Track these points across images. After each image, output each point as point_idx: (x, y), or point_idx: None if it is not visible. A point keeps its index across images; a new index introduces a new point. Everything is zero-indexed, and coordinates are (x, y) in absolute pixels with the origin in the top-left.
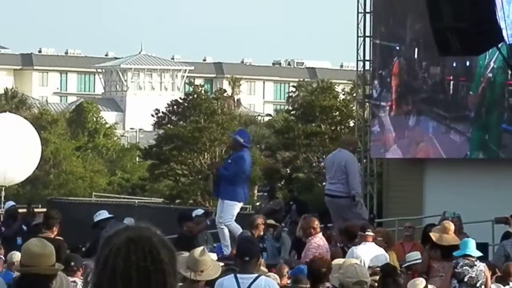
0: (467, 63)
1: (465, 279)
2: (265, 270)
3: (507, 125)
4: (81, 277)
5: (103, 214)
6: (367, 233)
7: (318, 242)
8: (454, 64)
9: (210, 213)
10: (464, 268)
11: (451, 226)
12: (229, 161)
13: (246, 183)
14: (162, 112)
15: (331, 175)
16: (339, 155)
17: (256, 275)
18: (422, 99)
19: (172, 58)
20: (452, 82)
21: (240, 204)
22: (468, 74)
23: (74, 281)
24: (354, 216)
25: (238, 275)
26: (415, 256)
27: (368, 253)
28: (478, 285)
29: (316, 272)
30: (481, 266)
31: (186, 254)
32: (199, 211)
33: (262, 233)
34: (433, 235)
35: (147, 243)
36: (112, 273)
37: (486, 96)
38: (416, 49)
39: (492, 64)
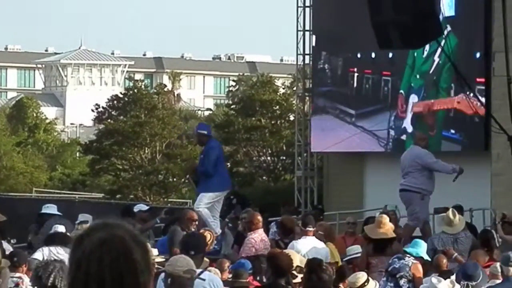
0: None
1: (389, 269)
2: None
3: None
4: (26, 274)
5: (51, 209)
6: (307, 228)
7: (256, 237)
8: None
9: (154, 208)
10: (394, 259)
11: (384, 220)
12: (202, 156)
13: (223, 169)
14: (102, 107)
15: (404, 171)
16: (411, 152)
17: (200, 270)
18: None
19: (112, 53)
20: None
21: (217, 193)
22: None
23: (20, 277)
24: (412, 211)
25: None
26: (355, 250)
27: (308, 247)
28: (397, 276)
29: (279, 266)
30: (409, 261)
31: None
32: (142, 206)
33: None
34: (366, 229)
35: (120, 244)
36: (86, 275)
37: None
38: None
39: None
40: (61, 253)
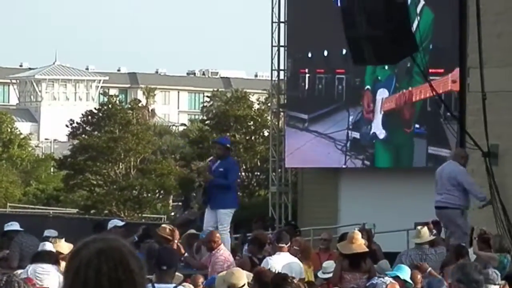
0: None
1: (367, 284)
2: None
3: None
4: None
5: (14, 226)
6: (281, 244)
7: (224, 254)
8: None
9: (129, 224)
10: (374, 277)
11: (357, 235)
12: (221, 169)
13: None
14: (77, 123)
15: (439, 187)
16: (448, 167)
17: (173, 285)
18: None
19: (87, 69)
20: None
21: (234, 209)
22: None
23: None
24: (456, 228)
25: (156, 285)
26: (331, 267)
27: (282, 263)
28: None
29: (265, 283)
30: (388, 280)
31: None
32: (118, 222)
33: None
34: (339, 246)
35: (118, 254)
36: (84, 284)
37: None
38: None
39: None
40: (48, 271)
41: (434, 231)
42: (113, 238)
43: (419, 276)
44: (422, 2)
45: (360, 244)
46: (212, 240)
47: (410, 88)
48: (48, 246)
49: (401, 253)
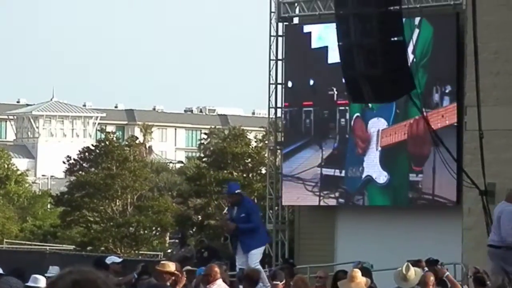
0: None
1: None
2: None
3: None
4: None
5: None
6: (275, 282)
7: None
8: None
9: (126, 261)
10: None
11: (357, 274)
12: (243, 215)
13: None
14: (74, 159)
15: (495, 226)
16: (508, 208)
17: None
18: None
19: (84, 105)
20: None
21: (264, 246)
22: None
23: None
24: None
25: None
26: None
27: None
28: None
29: None
30: None
31: None
32: (115, 259)
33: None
34: (340, 284)
35: (92, 286)
36: None
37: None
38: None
39: None
40: None
41: (426, 269)
42: (89, 270)
43: (432, 278)
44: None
45: (359, 282)
46: (209, 273)
47: (417, 117)
48: (41, 282)
49: None
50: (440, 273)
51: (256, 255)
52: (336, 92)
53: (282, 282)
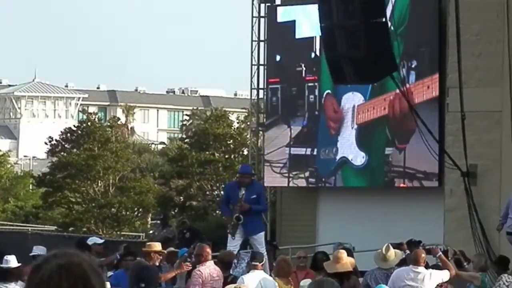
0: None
1: None
2: None
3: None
4: None
5: None
6: (254, 262)
7: (203, 269)
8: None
9: (108, 242)
10: None
11: (342, 255)
12: (254, 196)
13: None
14: (56, 140)
15: None
16: None
17: None
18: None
19: (66, 86)
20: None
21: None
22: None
23: None
24: None
25: None
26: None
27: (256, 281)
28: None
29: None
30: None
31: None
32: (97, 239)
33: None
34: (326, 265)
35: (78, 270)
36: None
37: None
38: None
39: None
40: None
41: (407, 251)
42: (74, 253)
43: (423, 255)
44: None
45: (345, 263)
46: (200, 254)
47: (397, 90)
48: (12, 263)
49: (367, 272)
50: (433, 252)
51: (262, 238)
52: (304, 68)
53: (262, 263)
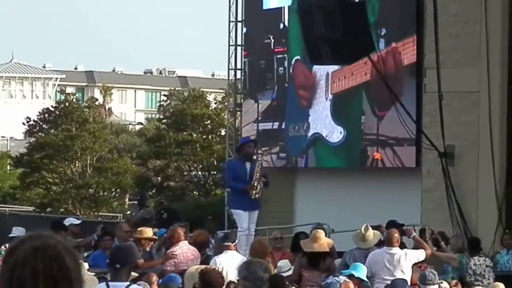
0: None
1: (322, 283)
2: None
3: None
4: None
5: None
6: (226, 243)
7: (176, 250)
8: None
9: (85, 222)
10: (329, 276)
11: (321, 235)
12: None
13: None
14: (33, 120)
15: None
16: None
17: (127, 283)
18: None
19: (44, 67)
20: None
21: None
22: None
23: None
24: None
25: (110, 283)
26: (286, 266)
27: (230, 262)
28: None
29: (208, 283)
30: (342, 279)
31: None
32: (74, 220)
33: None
34: (302, 243)
35: (53, 251)
36: (19, 283)
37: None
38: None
39: None
40: None
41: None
42: (49, 235)
43: (396, 235)
44: None
45: (322, 243)
46: (172, 235)
47: (383, 50)
48: None
49: (346, 252)
50: (408, 233)
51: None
52: (273, 40)
53: (234, 243)
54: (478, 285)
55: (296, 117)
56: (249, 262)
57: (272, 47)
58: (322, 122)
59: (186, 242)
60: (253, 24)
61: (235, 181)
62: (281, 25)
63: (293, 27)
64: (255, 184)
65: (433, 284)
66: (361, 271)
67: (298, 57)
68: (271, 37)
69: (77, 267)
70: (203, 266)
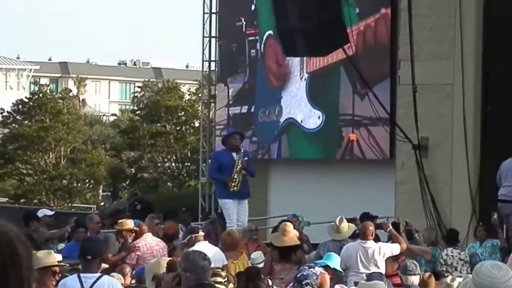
0: None
1: (297, 275)
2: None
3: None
4: None
5: None
6: (195, 234)
7: (139, 243)
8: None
9: (59, 213)
10: (304, 267)
11: (289, 227)
12: (246, 158)
13: None
14: (7, 112)
15: (505, 180)
16: None
17: (99, 274)
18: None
19: (18, 58)
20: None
21: None
22: None
23: None
24: None
25: (81, 275)
26: (259, 258)
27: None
28: (303, 283)
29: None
30: (318, 270)
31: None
32: (47, 211)
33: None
34: (272, 238)
35: (4, 238)
36: None
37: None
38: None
39: None
40: None
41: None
42: (2, 223)
43: (370, 228)
44: None
45: (291, 236)
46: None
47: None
48: None
49: (320, 244)
50: (385, 227)
51: (247, 205)
52: (244, 23)
53: (202, 234)
54: (448, 276)
55: (267, 101)
56: (187, 253)
57: (243, 29)
58: (297, 106)
59: (150, 234)
60: (225, 9)
61: (218, 172)
62: (253, 7)
63: (262, 1)
64: (235, 177)
65: (414, 274)
66: (335, 262)
67: (271, 31)
68: (243, 19)
69: (28, 255)
70: (168, 258)
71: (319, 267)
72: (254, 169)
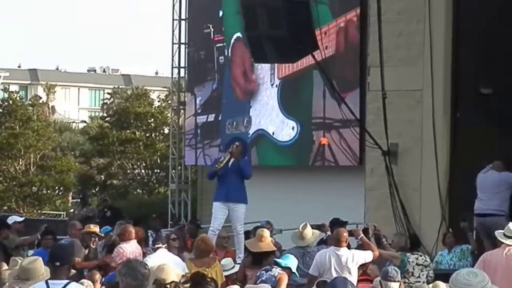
0: None
1: (257, 281)
2: None
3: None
4: None
5: None
6: (157, 245)
7: (126, 248)
8: None
9: (29, 220)
10: (262, 272)
11: (266, 234)
12: (242, 163)
13: None
14: None
15: (484, 193)
16: (493, 174)
17: (66, 281)
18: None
19: None
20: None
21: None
22: None
23: None
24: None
25: (49, 281)
26: (229, 265)
27: (161, 261)
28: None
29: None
30: (276, 271)
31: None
32: (17, 218)
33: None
34: (247, 243)
35: None
36: None
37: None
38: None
39: None
40: None
41: (328, 233)
42: None
43: (345, 234)
44: None
45: (268, 242)
46: (123, 233)
47: (320, 27)
48: None
49: (285, 251)
50: (355, 234)
51: (243, 212)
52: (212, 29)
53: (165, 245)
54: (404, 282)
55: (234, 111)
56: (128, 261)
57: (212, 36)
58: (268, 116)
59: (135, 241)
60: (194, 15)
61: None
62: (220, 13)
63: (227, 3)
64: (222, 158)
65: (395, 281)
66: (291, 262)
67: (239, 34)
68: (211, 26)
69: None
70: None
71: (276, 268)
72: (249, 170)
